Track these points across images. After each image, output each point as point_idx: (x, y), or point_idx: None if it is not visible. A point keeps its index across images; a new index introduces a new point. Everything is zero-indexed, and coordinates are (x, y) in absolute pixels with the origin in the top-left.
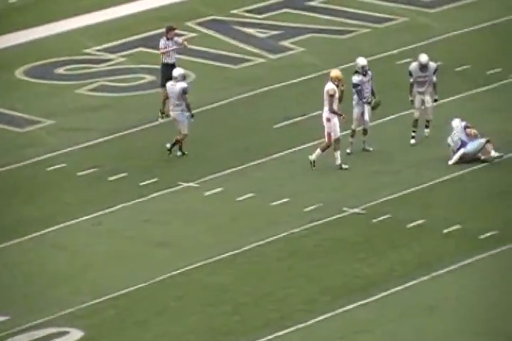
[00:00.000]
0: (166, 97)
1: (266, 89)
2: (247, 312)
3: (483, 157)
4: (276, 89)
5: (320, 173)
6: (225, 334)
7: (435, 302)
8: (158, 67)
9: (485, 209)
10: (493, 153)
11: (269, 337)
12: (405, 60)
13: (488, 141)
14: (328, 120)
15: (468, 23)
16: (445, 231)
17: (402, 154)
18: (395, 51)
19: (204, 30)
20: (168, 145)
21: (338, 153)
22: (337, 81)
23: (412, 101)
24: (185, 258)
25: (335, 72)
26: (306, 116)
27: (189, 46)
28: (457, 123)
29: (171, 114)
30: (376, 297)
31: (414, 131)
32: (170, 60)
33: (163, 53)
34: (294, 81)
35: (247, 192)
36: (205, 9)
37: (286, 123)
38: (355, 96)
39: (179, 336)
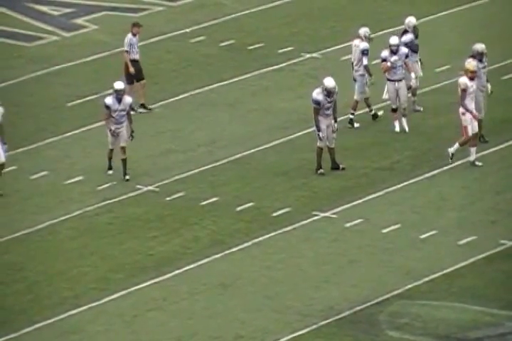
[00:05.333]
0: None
1: (59, 67)
2: (40, 290)
3: None
4: (70, 67)
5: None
6: (18, 313)
7: (228, 279)
8: None
9: (275, 187)
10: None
11: (63, 315)
12: (198, 39)
13: None
14: (463, 114)
15: (258, 2)
16: (238, 209)
17: (193, 133)
18: (187, 30)
19: None
20: None
21: (473, 149)
22: (470, 74)
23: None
24: None
25: (469, 65)
26: (99, 95)
27: None
28: None
29: None
30: (169, 275)
31: None
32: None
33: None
34: (87, 59)
35: (40, 170)
36: None
37: (79, 101)
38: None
39: None
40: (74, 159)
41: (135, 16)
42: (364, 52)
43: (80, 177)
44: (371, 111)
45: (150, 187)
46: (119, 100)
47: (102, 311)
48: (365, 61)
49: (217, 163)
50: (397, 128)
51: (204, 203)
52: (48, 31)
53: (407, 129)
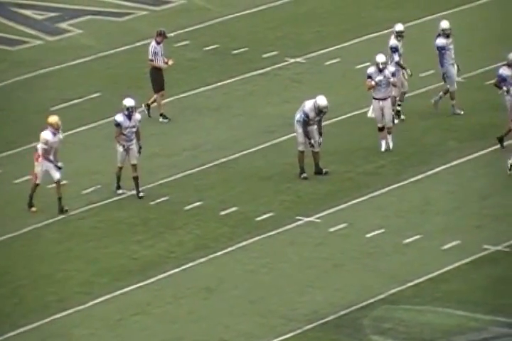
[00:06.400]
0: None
1: (43, 71)
2: (25, 294)
3: None
4: (54, 71)
5: (98, 156)
6: (3, 317)
7: (212, 283)
8: None
9: (259, 192)
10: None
11: (48, 319)
12: (182, 43)
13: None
14: None
15: (243, 6)
16: (222, 213)
17: (179, 138)
18: (172, 34)
19: None
20: None
21: None
22: None
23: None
24: None
25: None
26: (83, 99)
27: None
28: None
29: None
30: (153, 279)
31: None
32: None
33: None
34: (72, 63)
35: (24, 174)
36: None
37: (63, 105)
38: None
39: None
40: (59, 163)
41: (119, 20)
42: (392, 50)
43: (65, 181)
44: (399, 105)
45: (134, 192)
46: (130, 117)
47: (87, 315)
48: (395, 58)
49: (202, 168)
50: (383, 148)
51: (188, 207)
52: (31, 35)
53: (391, 146)
